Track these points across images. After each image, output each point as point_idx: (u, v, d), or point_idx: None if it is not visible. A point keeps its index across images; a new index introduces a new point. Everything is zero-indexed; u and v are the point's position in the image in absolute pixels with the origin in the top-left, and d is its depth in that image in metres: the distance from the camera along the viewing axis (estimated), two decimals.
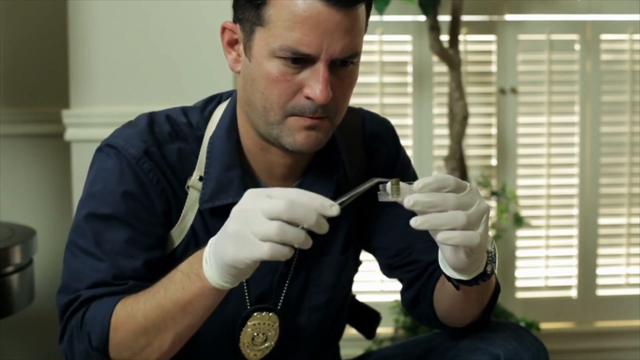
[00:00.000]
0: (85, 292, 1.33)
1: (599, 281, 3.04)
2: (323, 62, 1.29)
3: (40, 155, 2.82)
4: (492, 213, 2.93)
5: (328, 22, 1.28)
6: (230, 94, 1.48)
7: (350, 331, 1.76)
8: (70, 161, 2.57)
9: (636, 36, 2.98)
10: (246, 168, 1.43)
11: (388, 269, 1.58)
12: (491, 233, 2.84)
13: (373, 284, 2.89)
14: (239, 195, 1.33)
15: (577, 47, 2.96)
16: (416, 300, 1.54)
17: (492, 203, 2.92)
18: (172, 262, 1.39)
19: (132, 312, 1.28)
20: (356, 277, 1.63)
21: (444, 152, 2.80)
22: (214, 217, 1.40)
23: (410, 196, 1.18)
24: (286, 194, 1.13)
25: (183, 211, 1.40)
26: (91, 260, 1.35)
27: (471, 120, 2.79)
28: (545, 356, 1.42)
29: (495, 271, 1.32)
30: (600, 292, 3.05)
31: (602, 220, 3.02)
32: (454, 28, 2.71)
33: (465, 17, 2.76)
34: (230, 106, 1.44)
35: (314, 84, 1.30)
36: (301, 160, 1.44)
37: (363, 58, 3.11)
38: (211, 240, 1.21)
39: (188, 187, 1.40)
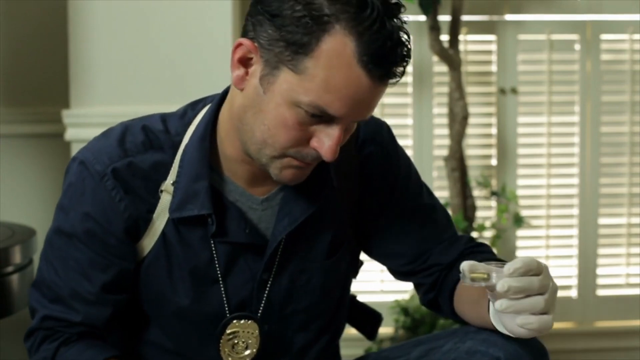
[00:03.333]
0: (45, 309, 1.41)
1: (599, 281, 3.04)
2: (342, 124, 1.28)
3: (40, 155, 2.81)
4: (492, 213, 2.93)
5: (365, 93, 1.25)
6: (214, 97, 1.44)
7: (350, 331, 1.76)
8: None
9: (636, 36, 2.98)
10: (224, 174, 1.40)
11: (404, 275, 1.57)
12: (491, 233, 2.85)
13: (373, 284, 2.89)
14: (205, 207, 1.37)
15: (577, 47, 2.96)
16: (436, 299, 1.56)
17: (492, 203, 2.92)
18: (143, 267, 1.41)
19: None
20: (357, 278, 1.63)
21: (444, 152, 2.80)
22: (184, 225, 1.39)
23: (503, 281, 1.23)
24: None
25: (154, 216, 1.39)
26: (54, 273, 1.40)
27: (471, 120, 2.79)
28: (546, 358, 1.42)
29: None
30: (601, 292, 3.05)
31: (602, 220, 3.02)
32: (454, 28, 2.71)
33: (465, 17, 2.76)
34: (209, 113, 1.40)
35: (326, 141, 1.28)
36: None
37: None
38: None
39: (161, 192, 1.39)
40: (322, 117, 1.26)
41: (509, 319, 1.28)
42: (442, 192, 2.88)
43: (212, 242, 1.40)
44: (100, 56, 2.52)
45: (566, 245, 3.03)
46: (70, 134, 2.53)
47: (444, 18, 2.73)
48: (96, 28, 2.52)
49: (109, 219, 1.37)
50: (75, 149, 2.53)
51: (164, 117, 1.44)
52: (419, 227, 1.52)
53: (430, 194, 1.56)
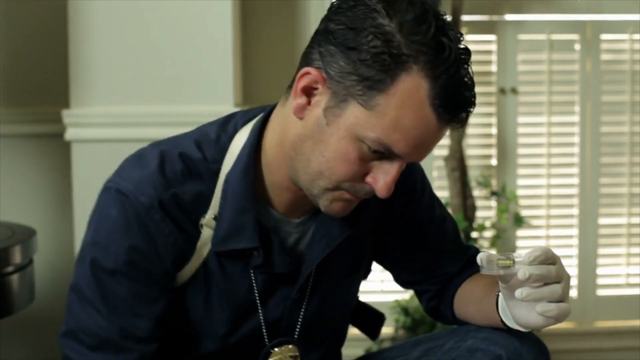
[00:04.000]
0: (93, 355, 1.32)
1: (599, 281, 3.04)
2: (401, 163, 1.26)
3: (40, 155, 2.81)
4: (492, 213, 2.93)
5: (431, 135, 1.24)
6: (246, 120, 1.38)
7: (351, 331, 1.76)
8: (70, 161, 2.57)
9: (636, 36, 2.98)
10: (262, 200, 1.37)
11: (410, 284, 1.59)
12: (491, 233, 2.85)
13: (373, 284, 2.89)
14: (252, 241, 1.33)
15: (577, 47, 2.96)
16: (438, 307, 1.57)
17: (492, 203, 2.92)
18: (182, 297, 1.37)
19: None
20: None
21: (444, 152, 2.80)
22: (227, 258, 1.36)
23: (524, 268, 1.24)
24: None
25: (196, 249, 1.35)
26: (97, 316, 1.32)
27: (471, 120, 2.78)
28: (546, 356, 1.43)
29: None
30: (601, 292, 3.05)
31: (602, 220, 3.02)
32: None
33: (465, 17, 2.76)
34: (251, 141, 1.35)
35: (382, 177, 1.26)
36: None
37: None
38: None
39: (201, 226, 1.34)
40: (384, 154, 1.25)
41: (526, 309, 1.28)
42: (442, 192, 2.87)
43: (251, 271, 1.37)
44: (100, 56, 2.52)
45: (566, 245, 3.03)
46: (70, 133, 2.53)
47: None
48: (96, 28, 2.52)
49: (157, 252, 1.32)
50: (75, 149, 2.53)
51: (198, 142, 1.36)
52: (431, 240, 1.53)
53: (441, 205, 1.57)
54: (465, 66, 1.25)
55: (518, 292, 1.25)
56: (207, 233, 1.34)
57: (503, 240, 2.91)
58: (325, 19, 1.27)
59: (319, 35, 1.27)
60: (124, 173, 1.35)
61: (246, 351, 1.42)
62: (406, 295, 2.80)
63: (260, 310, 1.40)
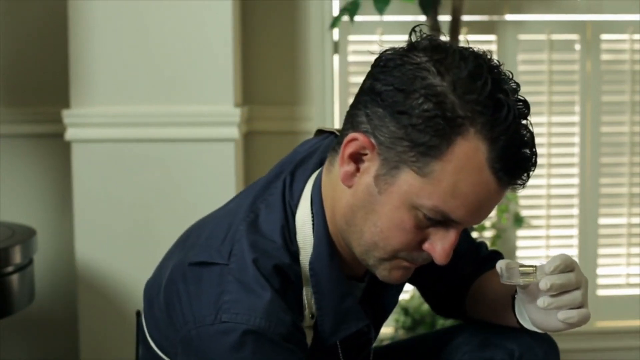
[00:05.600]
0: None
1: (599, 281, 3.04)
2: (459, 228, 1.20)
3: (40, 155, 2.81)
4: (492, 213, 2.93)
5: (491, 199, 1.18)
6: (298, 195, 1.29)
7: None
8: (70, 161, 2.57)
9: (636, 36, 2.97)
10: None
11: (421, 284, 1.56)
12: (491, 233, 2.85)
13: None
14: (362, 320, 1.29)
15: (577, 47, 2.96)
16: (449, 306, 1.56)
17: None
18: None
19: None
20: None
21: None
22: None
23: (546, 279, 1.23)
24: None
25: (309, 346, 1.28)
26: None
27: None
28: (556, 351, 1.45)
29: None
30: (601, 292, 3.05)
31: (602, 220, 3.02)
32: (454, 28, 2.71)
33: (465, 17, 2.76)
34: (320, 223, 1.27)
35: (440, 245, 1.20)
36: None
37: (363, 58, 3.11)
38: None
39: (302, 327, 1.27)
40: (441, 221, 1.18)
41: (546, 313, 1.28)
42: None
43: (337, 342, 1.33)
44: (100, 56, 2.52)
45: (566, 245, 3.03)
46: (70, 133, 2.53)
47: (444, 18, 2.73)
48: (96, 28, 2.52)
49: None
50: (75, 149, 2.53)
51: (285, 240, 1.26)
52: (460, 251, 1.52)
53: None
54: (525, 122, 1.18)
55: (540, 301, 1.25)
56: (309, 334, 1.29)
57: (503, 240, 2.91)
58: (370, 77, 1.20)
59: (365, 95, 1.19)
60: (239, 308, 1.19)
61: None
62: (406, 295, 2.80)
63: None
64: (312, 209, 1.27)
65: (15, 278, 2.26)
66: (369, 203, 1.20)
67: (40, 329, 2.83)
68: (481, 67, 1.16)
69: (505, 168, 1.16)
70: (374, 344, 1.46)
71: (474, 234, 2.75)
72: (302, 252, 1.27)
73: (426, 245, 1.21)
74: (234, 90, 2.55)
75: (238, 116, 2.53)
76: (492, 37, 2.93)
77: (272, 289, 1.20)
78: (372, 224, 1.20)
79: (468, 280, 1.53)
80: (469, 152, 1.14)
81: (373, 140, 1.17)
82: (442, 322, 2.62)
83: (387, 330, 2.75)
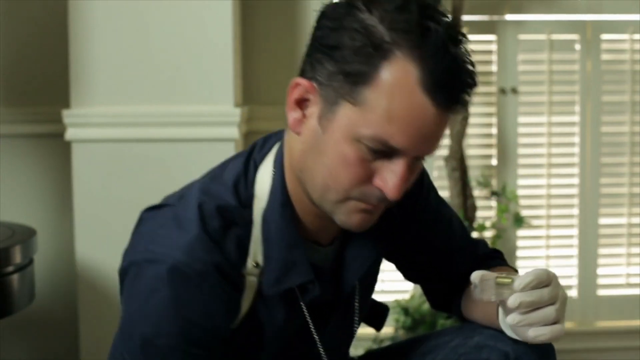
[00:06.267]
0: None
1: (600, 281, 3.04)
2: (407, 159, 1.19)
3: (40, 155, 2.81)
4: (492, 213, 2.93)
5: (431, 124, 1.17)
6: (264, 155, 1.33)
7: None
8: (70, 161, 2.57)
9: (636, 36, 2.98)
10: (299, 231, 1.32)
11: (419, 281, 1.57)
12: (491, 233, 2.84)
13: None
14: (308, 274, 1.29)
15: (577, 47, 2.96)
16: (443, 303, 1.57)
17: (493, 203, 2.92)
18: (233, 348, 1.32)
19: None
20: None
21: (445, 152, 2.80)
22: (275, 299, 1.31)
23: (514, 297, 1.22)
24: None
25: (243, 297, 1.29)
26: None
27: (471, 120, 2.79)
28: (553, 354, 1.44)
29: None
30: (601, 292, 3.05)
31: (602, 220, 3.02)
32: None
33: (465, 17, 2.76)
34: (279, 174, 1.30)
35: (389, 178, 1.19)
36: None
37: None
38: None
39: (243, 275, 1.28)
40: (385, 151, 1.19)
41: (521, 330, 1.28)
42: (442, 192, 2.85)
43: (303, 306, 1.33)
44: (100, 56, 2.52)
45: (566, 245, 3.03)
46: (70, 133, 2.53)
47: None
48: (96, 28, 2.51)
49: (213, 320, 1.25)
50: (75, 149, 2.53)
51: (235, 184, 1.30)
52: (439, 240, 1.52)
53: (445, 204, 1.57)
54: (457, 45, 1.19)
55: (510, 319, 1.24)
56: (250, 280, 1.29)
57: (503, 241, 2.91)
58: (313, 29, 1.24)
59: (309, 46, 1.24)
60: (166, 242, 1.24)
61: None
62: (406, 295, 2.80)
63: (319, 344, 1.37)
64: (274, 164, 1.30)
65: (15, 278, 2.26)
66: (315, 145, 1.22)
67: (40, 329, 2.83)
68: (409, 2, 1.18)
69: (438, 88, 1.16)
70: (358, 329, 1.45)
71: (474, 234, 2.75)
72: (256, 200, 1.29)
73: (377, 181, 1.21)
74: (234, 90, 2.55)
75: (238, 116, 2.53)
76: (492, 37, 2.93)
77: (202, 229, 1.23)
78: (321, 165, 1.22)
79: (464, 278, 1.52)
80: (397, 74, 1.15)
81: (314, 83, 1.21)
82: (443, 322, 2.62)
83: (387, 330, 2.75)
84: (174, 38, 2.53)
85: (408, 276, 1.58)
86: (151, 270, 1.23)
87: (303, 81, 1.22)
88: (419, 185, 1.49)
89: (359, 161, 1.19)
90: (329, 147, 1.20)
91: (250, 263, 1.28)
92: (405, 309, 2.71)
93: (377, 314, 1.66)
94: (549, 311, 1.24)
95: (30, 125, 2.79)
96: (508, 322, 1.25)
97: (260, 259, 1.28)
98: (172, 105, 2.54)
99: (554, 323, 1.25)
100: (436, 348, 1.48)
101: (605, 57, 2.98)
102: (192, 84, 2.53)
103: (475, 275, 1.24)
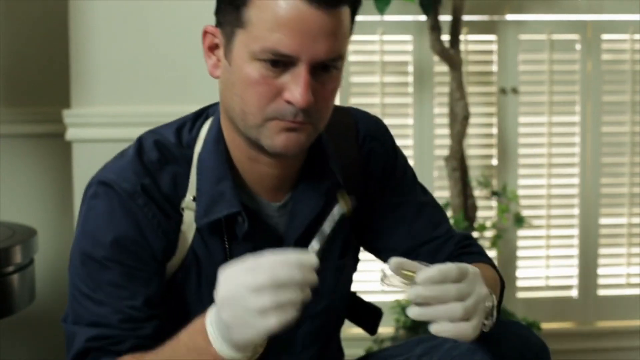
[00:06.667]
0: (91, 343, 1.32)
1: (600, 281, 3.04)
2: (304, 65, 1.26)
3: (41, 155, 2.82)
4: (493, 213, 2.93)
5: (310, 23, 1.24)
6: (217, 109, 1.44)
7: (351, 331, 1.76)
8: (70, 161, 2.57)
9: (637, 36, 2.98)
10: (237, 180, 1.38)
11: None
12: (492, 233, 2.84)
13: (373, 284, 2.89)
14: (234, 206, 1.34)
15: (577, 47, 2.96)
16: None
17: (493, 203, 2.92)
18: (174, 286, 1.37)
19: None
20: (357, 277, 1.63)
21: (445, 152, 2.80)
22: (212, 234, 1.36)
23: (413, 290, 1.21)
24: (261, 263, 1.14)
25: (180, 234, 1.36)
26: (93, 306, 1.33)
27: (472, 120, 2.79)
28: (547, 356, 1.43)
29: (492, 325, 1.32)
30: (601, 292, 3.05)
31: (602, 220, 3.02)
32: (455, 28, 2.71)
33: (466, 17, 2.76)
34: (216, 118, 1.41)
35: (294, 88, 1.26)
36: (290, 171, 1.40)
37: (364, 58, 3.11)
38: (210, 320, 1.20)
39: (182, 209, 1.36)
40: (281, 62, 1.26)
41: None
42: (442, 192, 2.87)
43: (226, 245, 1.37)
44: (101, 56, 2.52)
45: (567, 245, 3.03)
46: (70, 133, 2.53)
47: (445, 18, 2.73)
48: (97, 28, 2.52)
49: (144, 236, 1.33)
50: (75, 149, 2.53)
51: (179, 128, 1.41)
52: (410, 222, 1.51)
53: (425, 192, 1.56)
54: None
55: (409, 311, 1.23)
56: (188, 216, 1.36)
57: (504, 241, 2.91)
58: None
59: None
60: (106, 167, 1.39)
61: None
62: (406, 295, 2.80)
63: None
64: (216, 113, 1.41)
65: (15, 278, 2.26)
66: (228, 79, 1.32)
67: (40, 329, 2.83)
68: None
69: None
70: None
71: (475, 234, 2.75)
72: (198, 143, 1.39)
73: (285, 95, 1.27)
74: None
75: None
76: (492, 37, 2.93)
77: (137, 156, 1.36)
78: (235, 96, 1.30)
79: None
80: None
81: (217, 27, 1.34)
82: None
83: (387, 330, 2.75)
84: (174, 38, 2.53)
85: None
86: (89, 192, 1.37)
87: (209, 27, 1.36)
88: (391, 169, 1.51)
89: (262, 79, 1.27)
90: (236, 76, 1.29)
91: (188, 197, 1.35)
92: (405, 309, 2.71)
93: (370, 318, 1.65)
94: (454, 307, 1.21)
95: (30, 125, 2.79)
96: (408, 314, 1.22)
97: (195, 194, 1.35)
98: (172, 105, 2.54)
99: (465, 321, 1.22)
100: (430, 351, 1.48)
101: (605, 57, 2.98)
102: (192, 84, 2.54)
103: (391, 262, 1.25)
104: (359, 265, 1.77)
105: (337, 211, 1.25)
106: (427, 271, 1.21)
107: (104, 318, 1.32)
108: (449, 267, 1.21)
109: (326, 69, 1.29)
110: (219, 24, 1.34)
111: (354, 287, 1.62)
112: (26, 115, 2.79)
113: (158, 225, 1.34)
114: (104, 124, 2.53)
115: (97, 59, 2.52)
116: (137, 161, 1.36)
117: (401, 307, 2.72)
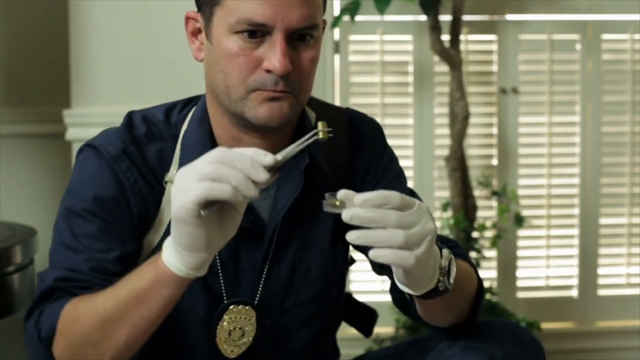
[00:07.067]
0: (58, 283, 1.37)
1: (600, 281, 3.04)
2: (280, 32, 1.31)
3: (41, 155, 2.82)
4: (493, 213, 2.93)
5: None
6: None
7: (350, 331, 1.76)
8: (70, 161, 2.57)
9: (637, 36, 2.98)
10: None
11: (377, 267, 1.54)
12: (492, 233, 2.84)
13: (373, 284, 2.89)
14: None
15: (578, 47, 2.96)
16: (403, 300, 1.50)
17: (493, 203, 2.92)
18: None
19: (88, 303, 1.28)
20: (356, 277, 1.63)
21: (445, 152, 2.80)
22: None
23: (349, 210, 1.15)
24: (219, 149, 1.17)
25: (161, 206, 1.41)
26: (68, 253, 1.38)
27: (472, 120, 2.78)
28: (542, 356, 1.42)
29: (450, 286, 1.27)
30: (601, 292, 3.05)
31: (603, 220, 3.02)
32: (455, 28, 2.71)
33: (466, 17, 2.76)
34: (202, 101, 1.46)
35: (272, 56, 1.31)
36: (275, 152, 1.41)
37: (364, 58, 3.11)
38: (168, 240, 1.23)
39: (166, 183, 1.41)
40: (257, 31, 1.31)
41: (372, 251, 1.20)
42: (443, 192, 2.87)
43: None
44: (101, 56, 2.52)
45: (567, 245, 3.03)
46: (71, 133, 2.53)
47: (445, 18, 2.73)
48: (97, 28, 2.52)
49: (126, 198, 1.39)
50: (76, 149, 2.53)
51: (168, 108, 1.48)
52: None
53: (411, 192, 1.52)
54: None
55: (348, 235, 1.16)
56: (170, 191, 1.35)
57: (504, 241, 2.91)
58: None
59: None
60: (97, 135, 1.46)
61: (208, 315, 1.42)
62: None
63: (220, 274, 1.42)
64: (205, 95, 1.46)
65: (15, 278, 2.26)
66: (211, 58, 1.37)
67: None
68: None
69: None
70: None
71: (475, 234, 2.75)
72: (186, 122, 1.45)
73: (265, 64, 1.32)
74: None
75: None
76: (492, 37, 2.93)
77: (125, 127, 1.44)
78: (218, 72, 1.36)
79: None
80: None
81: (198, 12, 1.39)
82: None
83: (387, 330, 2.75)
84: (175, 38, 2.53)
85: (370, 262, 1.49)
86: (79, 156, 1.44)
87: (190, 13, 1.40)
88: (376, 165, 1.51)
89: (241, 50, 1.32)
90: (217, 53, 1.35)
91: (172, 171, 1.40)
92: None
93: (365, 320, 1.65)
94: (395, 233, 1.15)
95: (30, 125, 2.80)
96: (347, 238, 1.16)
97: (178, 169, 1.37)
98: None
99: (408, 250, 1.17)
100: (424, 351, 1.48)
101: (605, 57, 2.98)
102: (192, 83, 2.53)
103: (339, 193, 1.18)
104: (359, 266, 1.78)
105: (311, 134, 1.24)
106: (367, 194, 1.16)
107: (76, 264, 1.36)
108: (392, 193, 1.17)
109: (303, 38, 1.34)
110: (198, 8, 1.39)
111: (353, 287, 1.62)
112: (26, 115, 2.79)
113: (139, 191, 1.39)
114: (104, 124, 2.51)
115: (97, 59, 2.52)
116: (125, 131, 1.43)
117: None
